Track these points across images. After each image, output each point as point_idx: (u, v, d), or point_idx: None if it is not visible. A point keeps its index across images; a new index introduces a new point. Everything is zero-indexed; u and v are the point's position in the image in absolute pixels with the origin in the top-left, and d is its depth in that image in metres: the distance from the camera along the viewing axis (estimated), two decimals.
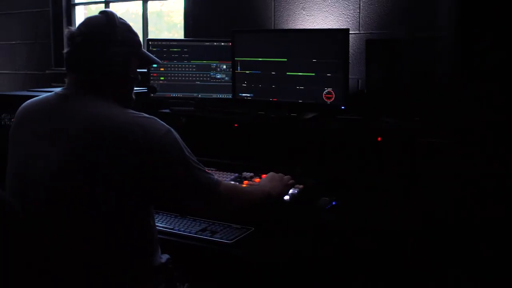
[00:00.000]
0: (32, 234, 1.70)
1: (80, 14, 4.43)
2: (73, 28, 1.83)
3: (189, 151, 1.77)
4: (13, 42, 4.64)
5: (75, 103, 1.76)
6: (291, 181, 2.22)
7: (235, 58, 2.94)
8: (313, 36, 2.77)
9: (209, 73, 3.15)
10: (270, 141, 2.79)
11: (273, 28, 3.22)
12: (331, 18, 3.03)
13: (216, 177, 1.84)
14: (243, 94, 2.95)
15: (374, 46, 2.70)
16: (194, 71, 3.15)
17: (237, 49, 2.93)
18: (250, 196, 1.99)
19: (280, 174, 2.25)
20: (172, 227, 2.17)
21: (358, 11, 2.95)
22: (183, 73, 3.16)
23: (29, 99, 3.21)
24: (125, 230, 1.72)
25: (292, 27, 3.14)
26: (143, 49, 1.94)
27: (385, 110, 2.70)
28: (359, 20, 2.95)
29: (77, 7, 4.40)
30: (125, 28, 1.85)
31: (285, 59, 2.80)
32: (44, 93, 3.19)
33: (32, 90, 3.41)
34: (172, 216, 2.24)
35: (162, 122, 1.75)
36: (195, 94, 3.17)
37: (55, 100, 1.81)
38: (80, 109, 1.74)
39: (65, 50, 1.84)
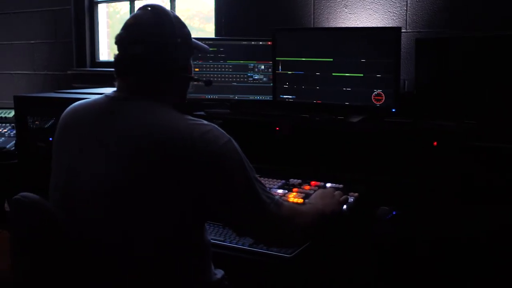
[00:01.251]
0: (82, 250, 1.56)
1: (103, 12, 4.28)
2: (121, 31, 1.68)
3: (250, 165, 1.61)
4: (32, 42, 4.49)
5: (130, 108, 1.62)
6: (343, 197, 2.05)
7: (276, 58, 2.79)
8: (362, 35, 2.62)
9: (246, 74, 3.01)
10: (315, 145, 2.64)
11: (312, 26, 3.07)
12: (375, 16, 2.89)
13: (277, 197, 1.69)
14: (284, 96, 2.81)
15: (425, 45, 2.55)
16: (231, 71, 3.01)
17: (279, 49, 2.78)
18: (307, 217, 1.77)
19: (330, 190, 2.09)
20: (222, 239, 2.03)
21: (405, 8, 2.80)
22: (219, 73, 3.01)
23: (56, 100, 3.08)
24: (181, 245, 1.59)
25: (333, 26, 2.99)
26: (193, 39, 1.78)
27: (435, 113, 2.55)
28: (406, 18, 2.80)
29: (99, 5, 4.25)
30: (180, 23, 1.70)
31: (331, 59, 2.65)
32: (72, 94, 3.06)
33: (59, 91, 3.27)
34: (221, 226, 2.10)
35: (222, 131, 1.60)
36: (231, 96, 3.03)
37: (106, 103, 1.66)
38: (135, 114, 1.59)
39: (116, 55, 1.70)
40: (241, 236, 1.93)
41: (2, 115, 3.68)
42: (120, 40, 1.67)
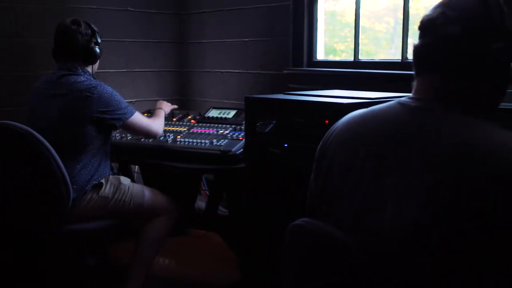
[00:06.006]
0: None
1: (321, 9, 4.03)
2: (431, 11, 1.36)
3: None
4: (246, 40, 4.38)
5: (440, 120, 1.29)
6: None
7: None
8: None
9: None
10: None
11: None
12: None
13: None
14: None
15: None
16: None
17: None
18: None
19: None
20: None
21: None
22: None
23: (287, 103, 2.82)
24: None
25: None
26: None
27: None
28: None
29: (318, 1, 4.00)
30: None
31: None
32: (302, 96, 2.81)
33: (290, 93, 3.04)
34: None
35: None
36: None
37: (405, 115, 1.34)
38: (450, 132, 1.25)
39: (417, 44, 1.38)
40: None
41: (222, 116, 3.56)
42: (430, 20, 1.34)
